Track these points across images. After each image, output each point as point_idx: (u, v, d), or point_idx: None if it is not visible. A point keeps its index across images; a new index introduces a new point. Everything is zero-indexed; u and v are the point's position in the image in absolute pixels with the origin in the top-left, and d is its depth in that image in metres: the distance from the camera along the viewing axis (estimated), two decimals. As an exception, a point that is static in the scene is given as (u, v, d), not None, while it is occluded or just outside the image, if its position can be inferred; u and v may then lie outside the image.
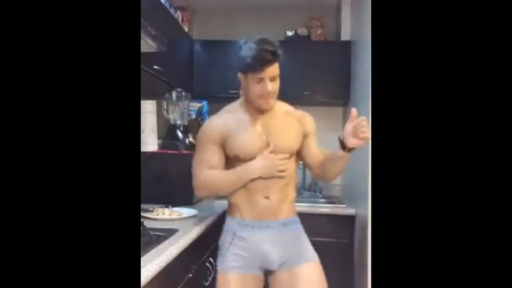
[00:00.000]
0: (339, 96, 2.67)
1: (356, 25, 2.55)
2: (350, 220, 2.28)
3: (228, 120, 1.44)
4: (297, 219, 1.51)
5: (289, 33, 2.84)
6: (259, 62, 1.30)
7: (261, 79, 1.33)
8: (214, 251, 1.81)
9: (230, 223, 1.48)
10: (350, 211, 2.28)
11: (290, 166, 1.44)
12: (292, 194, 1.48)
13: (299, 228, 1.50)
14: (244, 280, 1.41)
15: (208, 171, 1.42)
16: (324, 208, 2.29)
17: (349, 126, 1.29)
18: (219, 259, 1.46)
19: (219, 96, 2.76)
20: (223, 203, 2.29)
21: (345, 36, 2.75)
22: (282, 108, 1.48)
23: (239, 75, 1.39)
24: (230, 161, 1.44)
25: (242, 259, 1.41)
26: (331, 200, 2.53)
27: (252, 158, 1.39)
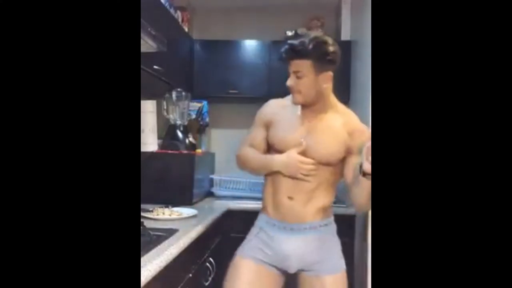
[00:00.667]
0: (339, 96, 2.64)
1: (356, 25, 2.55)
2: (350, 220, 2.28)
3: (282, 108, 1.45)
4: (328, 222, 1.44)
5: (289, 33, 2.83)
6: (281, 57, 1.35)
7: (288, 73, 1.36)
8: (214, 251, 1.81)
9: (260, 219, 1.50)
10: (350, 211, 2.28)
11: (322, 173, 1.38)
12: (322, 199, 1.41)
13: (329, 232, 1.44)
14: (259, 271, 1.41)
15: (247, 148, 1.48)
16: (324, 208, 2.29)
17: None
18: (241, 246, 1.48)
19: (219, 96, 2.77)
20: (223, 203, 2.31)
21: (345, 36, 2.75)
22: (342, 117, 1.41)
23: None
24: (269, 147, 1.45)
25: (263, 254, 1.42)
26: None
27: (285, 151, 1.38)
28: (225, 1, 2.94)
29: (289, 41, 1.34)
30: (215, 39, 2.83)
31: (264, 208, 1.48)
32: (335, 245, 1.46)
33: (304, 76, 1.32)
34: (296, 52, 1.31)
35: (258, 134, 1.47)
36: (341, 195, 2.64)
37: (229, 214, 2.22)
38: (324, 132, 1.38)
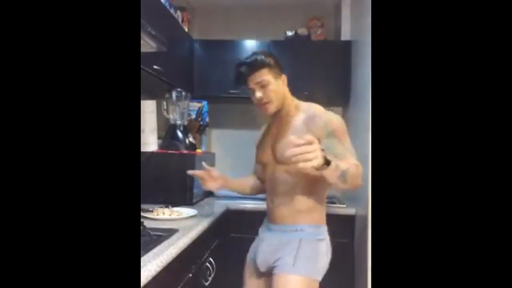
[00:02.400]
0: (339, 96, 2.67)
1: (356, 25, 2.55)
2: (350, 220, 2.28)
3: (264, 129, 1.63)
4: (304, 227, 1.42)
5: (289, 33, 2.84)
6: (237, 76, 1.44)
7: (252, 89, 1.43)
8: (214, 251, 1.81)
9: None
10: (350, 211, 2.28)
11: (295, 177, 1.39)
12: (303, 202, 1.42)
13: (306, 237, 1.41)
14: (250, 269, 1.56)
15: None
16: (324, 208, 2.29)
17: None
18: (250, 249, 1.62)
19: (219, 96, 2.77)
20: (223, 203, 2.30)
21: (345, 36, 2.75)
22: (302, 113, 1.42)
23: None
24: None
25: (252, 252, 1.57)
26: (331, 200, 2.53)
27: (261, 161, 1.54)
28: (225, 1, 2.94)
29: (238, 65, 1.44)
30: (215, 39, 2.83)
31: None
32: (307, 250, 1.39)
33: (268, 83, 1.40)
34: (252, 66, 1.40)
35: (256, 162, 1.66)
36: (341, 195, 2.65)
37: (229, 214, 2.22)
38: (287, 133, 1.41)
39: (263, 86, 1.40)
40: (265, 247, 1.48)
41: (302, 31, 2.85)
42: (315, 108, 1.43)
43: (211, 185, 1.55)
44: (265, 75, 1.40)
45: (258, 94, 1.40)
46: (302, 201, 1.43)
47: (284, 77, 1.45)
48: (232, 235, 2.22)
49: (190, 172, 1.58)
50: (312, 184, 1.41)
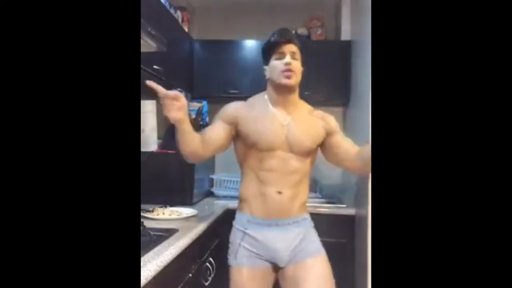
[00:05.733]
0: (339, 96, 2.67)
1: (356, 25, 2.55)
2: (350, 220, 2.28)
3: (247, 106, 1.47)
4: (307, 216, 1.53)
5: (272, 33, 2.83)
6: (277, 39, 1.41)
7: (282, 54, 1.40)
8: (214, 251, 1.81)
9: (240, 220, 1.49)
10: (350, 211, 2.28)
11: (304, 165, 1.45)
12: (304, 193, 1.49)
13: (309, 224, 1.52)
14: (255, 274, 1.43)
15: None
16: (324, 208, 2.29)
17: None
18: (231, 256, 1.48)
19: (219, 96, 2.76)
20: (223, 203, 2.30)
21: (345, 36, 2.75)
22: (305, 106, 1.52)
23: (265, 68, 1.47)
24: (249, 151, 1.45)
25: (252, 254, 1.43)
26: (331, 200, 2.53)
27: (271, 148, 1.40)
28: (225, 1, 2.94)
29: (275, 32, 1.43)
30: (215, 39, 2.83)
31: (244, 207, 1.48)
32: (313, 235, 1.50)
33: (298, 59, 1.43)
34: (289, 38, 1.41)
35: (214, 128, 1.45)
36: (341, 195, 2.65)
37: (229, 214, 2.22)
38: (302, 122, 1.45)
39: (294, 58, 1.41)
40: (285, 243, 1.42)
41: (302, 31, 2.85)
42: (311, 107, 1.55)
43: (174, 114, 1.27)
44: (297, 52, 1.43)
45: (289, 59, 1.39)
46: (307, 192, 1.51)
47: (303, 70, 1.48)
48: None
49: (148, 82, 1.32)
50: (310, 169, 1.51)
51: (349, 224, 2.28)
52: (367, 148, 1.34)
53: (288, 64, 1.39)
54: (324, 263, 1.45)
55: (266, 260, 1.44)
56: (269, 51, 1.43)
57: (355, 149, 1.45)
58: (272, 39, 1.42)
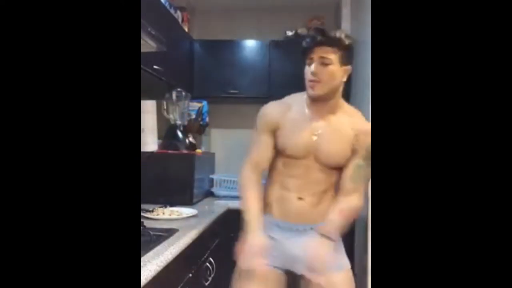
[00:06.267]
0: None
1: (356, 25, 2.55)
2: (350, 220, 2.27)
3: (286, 109, 1.38)
4: None
5: (289, 33, 2.84)
6: (308, 42, 1.29)
7: (311, 60, 1.29)
8: (214, 251, 1.81)
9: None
10: (350, 211, 2.28)
11: (331, 176, 1.37)
12: (329, 202, 1.39)
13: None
14: (266, 274, 1.36)
15: (248, 174, 1.40)
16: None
17: None
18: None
19: (219, 96, 2.77)
20: (223, 203, 2.31)
21: (345, 36, 2.75)
22: (350, 118, 1.38)
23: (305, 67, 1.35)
24: (279, 152, 1.38)
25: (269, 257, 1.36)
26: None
27: (298, 156, 1.34)
28: (225, 1, 2.94)
29: (315, 27, 1.33)
30: (215, 39, 2.83)
31: (267, 208, 1.42)
32: (339, 245, 1.42)
33: (331, 63, 1.28)
34: (326, 38, 1.27)
35: (262, 148, 1.39)
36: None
37: (229, 214, 2.22)
38: (334, 135, 1.34)
39: (324, 63, 1.27)
40: (304, 250, 1.33)
41: (302, 31, 2.85)
42: (364, 120, 1.40)
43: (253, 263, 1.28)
44: (332, 55, 1.27)
45: (314, 68, 1.27)
46: (331, 199, 1.40)
47: (349, 69, 1.33)
48: (232, 235, 2.22)
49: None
50: (334, 188, 1.41)
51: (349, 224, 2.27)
52: (333, 217, 1.32)
53: (313, 74, 1.28)
54: (348, 279, 1.39)
55: (279, 268, 1.38)
56: (302, 51, 1.32)
57: (345, 189, 1.36)
58: (304, 42, 1.31)
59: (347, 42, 1.29)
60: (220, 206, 2.21)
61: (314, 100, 1.34)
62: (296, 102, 1.39)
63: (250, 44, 2.78)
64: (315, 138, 1.33)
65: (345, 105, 1.41)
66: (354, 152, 1.34)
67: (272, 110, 1.40)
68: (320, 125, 1.35)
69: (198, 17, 3.07)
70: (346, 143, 1.34)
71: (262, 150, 1.39)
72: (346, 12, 2.76)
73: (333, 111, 1.36)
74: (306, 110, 1.37)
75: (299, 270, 1.38)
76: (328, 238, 1.31)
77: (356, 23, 2.55)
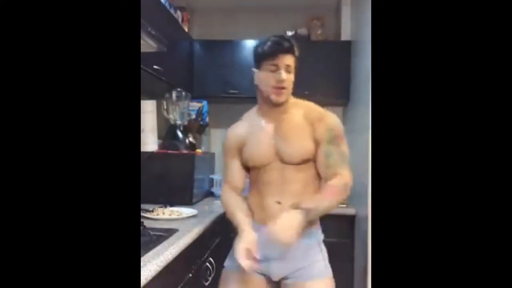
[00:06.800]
0: (339, 96, 2.67)
1: (356, 25, 2.55)
2: (350, 220, 2.28)
3: (244, 128, 1.44)
4: (314, 230, 1.41)
5: (289, 33, 2.84)
6: (274, 48, 1.32)
7: (276, 67, 1.31)
8: (214, 251, 1.81)
9: None
10: (350, 211, 2.28)
11: (304, 173, 1.36)
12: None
13: (315, 238, 1.41)
14: (244, 280, 1.38)
15: (228, 194, 1.46)
16: (324, 208, 2.29)
17: None
18: (228, 258, 1.44)
19: (219, 96, 2.77)
20: (223, 203, 2.30)
21: (345, 36, 2.76)
22: (302, 110, 1.40)
23: (254, 71, 1.37)
24: (247, 165, 1.43)
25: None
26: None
27: (263, 163, 1.37)
28: (225, 1, 2.95)
29: (273, 37, 1.34)
30: (215, 39, 2.83)
31: (249, 213, 1.42)
32: (319, 253, 1.40)
33: (292, 71, 1.34)
34: (287, 47, 1.32)
35: (235, 171, 1.46)
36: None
37: (229, 214, 2.22)
38: (291, 133, 1.36)
39: (288, 71, 1.32)
40: (280, 254, 1.32)
41: (302, 31, 2.85)
42: (316, 108, 1.42)
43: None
44: (292, 63, 1.34)
45: (283, 75, 1.30)
46: (314, 194, 1.38)
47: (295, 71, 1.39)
48: (232, 235, 2.22)
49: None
50: (317, 180, 1.40)
51: (349, 224, 2.28)
52: (316, 196, 1.29)
53: (281, 81, 1.31)
54: (326, 286, 1.36)
55: (259, 272, 1.37)
56: (261, 56, 1.34)
57: (327, 177, 1.32)
58: (266, 48, 1.32)
59: (298, 51, 1.35)
60: (220, 206, 2.20)
61: (274, 106, 1.37)
62: (251, 117, 1.45)
63: (250, 44, 2.78)
64: (274, 141, 1.37)
65: (296, 100, 1.43)
66: (317, 142, 1.35)
67: (234, 132, 1.47)
68: (275, 127, 1.38)
69: (198, 17, 3.07)
70: (305, 137, 1.35)
71: (235, 174, 1.46)
72: (346, 12, 2.76)
73: (285, 111, 1.39)
74: (261, 120, 1.41)
75: (275, 276, 1.37)
76: (303, 211, 1.24)
77: (356, 23, 2.55)
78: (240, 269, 1.31)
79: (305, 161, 1.37)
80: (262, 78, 1.34)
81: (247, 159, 1.40)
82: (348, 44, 2.66)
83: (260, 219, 1.39)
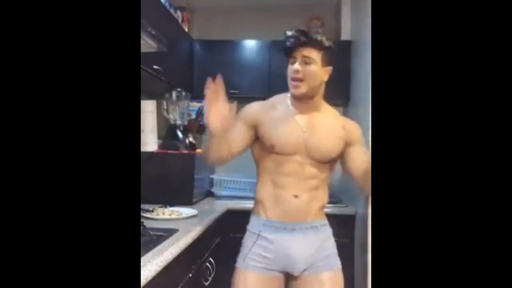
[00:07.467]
0: (339, 96, 2.66)
1: (356, 25, 2.55)
2: (350, 220, 2.28)
3: (270, 108, 1.42)
4: (326, 222, 1.47)
5: (289, 33, 2.83)
6: (290, 42, 1.34)
7: (294, 59, 1.34)
8: (214, 251, 1.81)
9: (254, 223, 1.43)
10: (350, 211, 2.28)
11: (323, 171, 1.40)
12: (322, 198, 1.44)
13: (328, 231, 1.46)
14: (264, 280, 1.37)
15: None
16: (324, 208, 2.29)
17: None
18: (240, 256, 1.42)
19: (219, 96, 2.76)
20: (223, 203, 2.31)
21: (345, 36, 2.75)
22: (330, 111, 1.46)
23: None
24: (267, 153, 1.39)
25: (264, 260, 1.37)
26: (331, 200, 2.53)
27: (289, 152, 1.35)
28: (225, 1, 2.94)
29: (293, 31, 1.35)
30: (215, 39, 2.83)
31: (259, 210, 1.43)
32: (332, 245, 1.45)
33: (313, 63, 1.33)
34: (309, 39, 1.33)
35: (236, 132, 1.37)
36: (341, 195, 2.65)
37: (229, 214, 2.22)
38: (323, 130, 1.39)
39: (306, 63, 1.33)
40: (301, 249, 1.37)
41: (302, 31, 2.84)
42: (336, 112, 1.49)
43: (217, 125, 1.24)
44: (315, 55, 1.33)
45: (297, 66, 1.32)
46: (325, 196, 1.46)
47: (329, 69, 1.38)
48: (232, 235, 2.22)
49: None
50: (327, 182, 1.46)
51: (349, 224, 2.27)
52: (368, 169, 1.28)
53: (296, 72, 1.32)
54: (338, 280, 1.42)
55: (277, 270, 1.38)
56: (284, 51, 1.37)
57: (364, 166, 1.33)
58: (285, 42, 1.35)
59: (327, 44, 1.35)
60: (220, 206, 2.21)
61: (298, 99, 1.39)
62: (281, 101, 1.44)
63: (250, 44, 2.79)
64: (304, 133, 1.37)
65: (325, 103, 1.47)
66: (349, 143, 1.40)
67: (253, 107, 1.44)
68: (307, 121, 1.39)
69: (198, 17, 3.07)
70: (336, 137, 1.40)
71: (236, 136, 1.37)
72: (346, 12, 2.76)
73: (316, 108, 1.42)
74: (291, 108, 1.41)
75: (297, 270, 1.38)
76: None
77: (356, 23, 2.55)
78: (256, 270, 1.36)
79: (330, 161, 1.41)
80: (288, 71, 1.37)
81: (270, 141, 1.36)
82: (348, 44, 2.65)
83: (275, 213, 1.38)
